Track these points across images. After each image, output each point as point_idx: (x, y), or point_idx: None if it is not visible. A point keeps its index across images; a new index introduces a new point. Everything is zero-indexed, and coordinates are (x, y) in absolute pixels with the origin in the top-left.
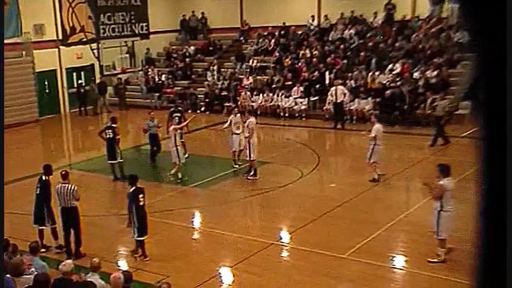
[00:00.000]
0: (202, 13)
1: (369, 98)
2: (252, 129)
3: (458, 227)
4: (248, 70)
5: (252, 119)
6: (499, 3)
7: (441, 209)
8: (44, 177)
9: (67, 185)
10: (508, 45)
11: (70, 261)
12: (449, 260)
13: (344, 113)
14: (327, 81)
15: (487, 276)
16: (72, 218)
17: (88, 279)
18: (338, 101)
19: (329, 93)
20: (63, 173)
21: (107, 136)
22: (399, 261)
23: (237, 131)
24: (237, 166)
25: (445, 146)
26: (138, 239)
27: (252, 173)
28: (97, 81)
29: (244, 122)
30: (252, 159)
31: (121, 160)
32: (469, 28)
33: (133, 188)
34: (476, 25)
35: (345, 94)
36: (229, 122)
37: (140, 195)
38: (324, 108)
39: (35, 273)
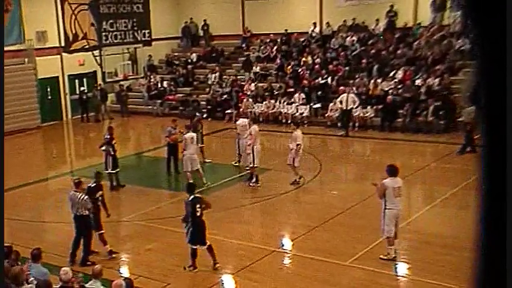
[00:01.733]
0: (204, 20)
1: (370, 106)
2: (253, 136)
3: (459, 235)
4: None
5: (255, 126)
6: (500, 7)
7: (385, 207)
8: (92, 185)
9: (78, 193)
10: (508, 48)
11: (68, 268)
12: (453, 267)
13: (351, 120)
14: (331, 88)
15: (487, 277)
16: (82, 227)
17: (90, 286)
18: (348, 108)
19: (337, 100)
20: (76, 181)
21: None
22: (401, 268)
23: (244, 135)
24: (236, 164)
25: (472, 153)
26: (191, 246)
27: (253, 180)
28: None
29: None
30: (254, 165)
31: (112, 171)
32: (470, 32)
33: (192, 196)
34: (477, 28)
35: (354, 101)
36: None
37: (198, 205)
38: (326, 115)
39: (35, 282)
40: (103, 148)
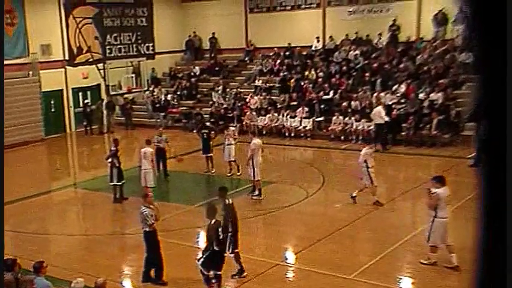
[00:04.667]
0: (213, 33)
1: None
2: (253, 150)
3: (465, 248)
4: (253, 90)
5: (255, 140)
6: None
7: (435, 216)
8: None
9: (142, 207)
10: (509, 57)
11: (81, 279)
12: (458, 281)
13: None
14: (334, 101)
15: (487, 277)
16: (146, 243)
17: None
18: (382, 121)
19: (372, 114)
20: (143, 193)
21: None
22: (406, 282)
23: (227, 142)
24: (229, 175)
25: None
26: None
27: (256, 193)
28: (105, 100)
29: (249, 142)
30: (256, 179)
31: (118, 183)
32: (474, 42)
33: (229, 198)
34: (480, 38)
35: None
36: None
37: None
38: (330, 128)
39: None
40: (109, 160)
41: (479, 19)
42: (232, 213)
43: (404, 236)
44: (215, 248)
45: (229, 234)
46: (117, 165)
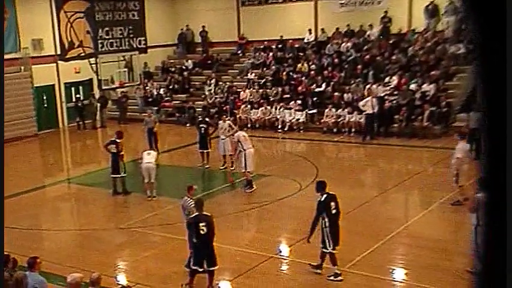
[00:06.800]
0: (203, 26)
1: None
2: (235, 143)
3: (454, 239)
4: (246, 83)
5: (239, 133)
6: (500, 7)
7: (477, 223)
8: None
9: (188, 198)
10: (509, 47)
11: (76, 274)
12: (450, 272)
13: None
14: (327, 93)
15: (487, 277)
16: (189, 230)
17: None
18: (372, 111)
19: (361, 103)
20: (188, 186)
21: (112, 151)
22: (399, 274)
23: (222, 137)
24: (222, 168)
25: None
26: (330, 251)
27: (247, 186)
28: (97, 95)
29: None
30: (247, 170)
31: (124, 175)
32: (469, 34)
33: (324, 195)
34: (477, 29)
35: (374, 106)
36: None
37: (332, 203)
38: (322, 120)
39: None
40: (121, 152)
41: (476, 11)
42: (326, 209)
43: (396, 228)
44: (194, 241)
45: (327, 230)
46: (121, 158)
